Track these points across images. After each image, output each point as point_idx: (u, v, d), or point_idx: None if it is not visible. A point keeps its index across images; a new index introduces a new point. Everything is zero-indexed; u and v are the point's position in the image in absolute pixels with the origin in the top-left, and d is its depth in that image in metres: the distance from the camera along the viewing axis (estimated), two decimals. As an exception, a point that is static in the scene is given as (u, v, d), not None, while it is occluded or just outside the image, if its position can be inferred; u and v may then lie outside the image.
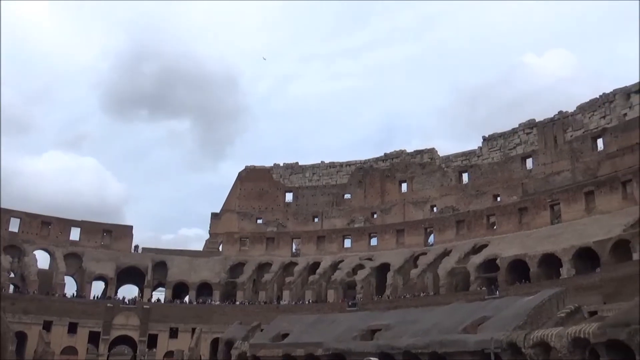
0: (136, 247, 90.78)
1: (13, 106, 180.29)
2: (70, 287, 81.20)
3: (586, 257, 57.99)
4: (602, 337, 33.87)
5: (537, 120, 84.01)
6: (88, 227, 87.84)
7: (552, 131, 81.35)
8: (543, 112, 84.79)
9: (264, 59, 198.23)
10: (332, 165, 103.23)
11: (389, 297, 73.36)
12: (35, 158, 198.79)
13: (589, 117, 77.66)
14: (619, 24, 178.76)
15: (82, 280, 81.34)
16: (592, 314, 45.27)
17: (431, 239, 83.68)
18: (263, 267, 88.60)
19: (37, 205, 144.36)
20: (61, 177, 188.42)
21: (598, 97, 77.63)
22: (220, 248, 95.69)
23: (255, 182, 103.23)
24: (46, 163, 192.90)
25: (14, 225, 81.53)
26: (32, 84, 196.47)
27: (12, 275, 77.21)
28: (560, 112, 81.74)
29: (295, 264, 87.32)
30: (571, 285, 51.47)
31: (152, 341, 76.26)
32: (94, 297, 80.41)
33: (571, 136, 78.93)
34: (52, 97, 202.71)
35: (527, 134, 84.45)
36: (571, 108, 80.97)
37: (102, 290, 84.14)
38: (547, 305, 46.63)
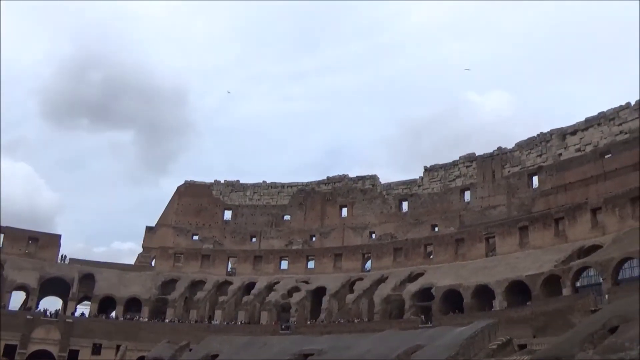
0: (63, 257, 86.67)
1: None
2: (-13, 296, 76.47)
3: (518, 291, 59.13)
4: (533, 370, 34.19)
5: (477, 154, 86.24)
6: (12, 234, 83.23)
7: (491, 166, 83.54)
8: (483, 148, 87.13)
9: (229, 92, 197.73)
10: (273, 185, 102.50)
11: (323, 322, 72.55)
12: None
13: (526, 155, 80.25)
14: (556, 67, 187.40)
15: (1, 289, 76.60)
16: (522, 347, 45.93)
17: (368, 264, 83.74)
18: (196, 284, 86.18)
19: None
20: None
21: (536, 136, 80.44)
22: (153, 263, 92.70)
23: (194, 198, 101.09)
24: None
25: None
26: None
27: None
28: (499, 148, 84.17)
29: (230, 283, 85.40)
30: (503, 318, 52.09)
31: (73, 357, 72.19)
32: (13, 308, 75.79)
33: (509, 172, 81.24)
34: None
35: (467, 167, 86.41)
36: (510, 145, 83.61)
37: (22, 300, 79.61)
38: (479, 336, 46.91)
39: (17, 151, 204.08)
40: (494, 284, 60.93)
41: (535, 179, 78.17)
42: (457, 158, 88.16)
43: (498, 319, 51.36)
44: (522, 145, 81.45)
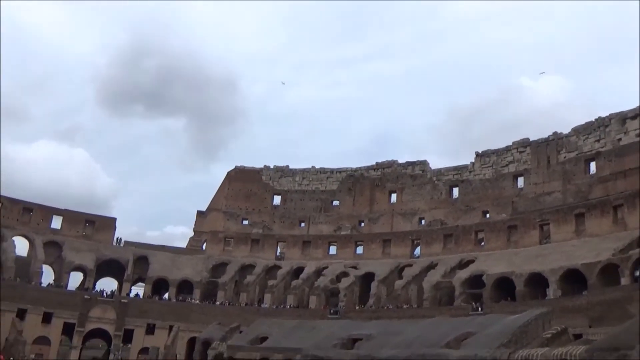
0: (118, 239, 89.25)
1: (7, 94, 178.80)
2: (47, 276, 79.59)
3: (573, 279, 57.43)
4: (589, 360, 33.10)
5: (531, 140, 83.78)
6: (70, 217, 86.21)
7: (546, 151, 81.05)
8: (538, 134, 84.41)
9: (283, 83, 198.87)
10: (322, 170, 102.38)
11: (371, 307, 72.40)
12: (25, 146, 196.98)
13: (584, 140, 77.45)
14: (613, 51, 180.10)
15: (60, 269, 79.65)
16: (577, 336, 44.55)
17: (417, 251, 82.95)
18: (246, 268, 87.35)
19: (24, 193, 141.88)
20: (51, 166, 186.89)
21: (594, 120, 77.48)
22: (204, 246, 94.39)
23: (243, 183, 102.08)
24: (36, 152, 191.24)
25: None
26: (29, 73, 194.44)
27: (-12, 260, 75.33)
28: (554, 133, 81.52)
29: (279, 267, 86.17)
30: (557, 307, 50.67)
31: (128, 336, 74.58)
32: (71, 288, 78.56)
33: (564, 157, 78.64)
34: (47, 88, 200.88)
35: (521, 152, 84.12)
36: (566, 130, 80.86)
37: (80, 281, 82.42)
38: (532, 325, 45.79)
39: (74, 138, 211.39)
40: (548, 272, 59.34)
41: (593, 165, 75.35)
42: (511, 143, 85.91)
43: (552, 307, 49.92)
44: (579, 130, 78.65)
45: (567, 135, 79.85)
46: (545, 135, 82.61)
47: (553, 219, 68.82)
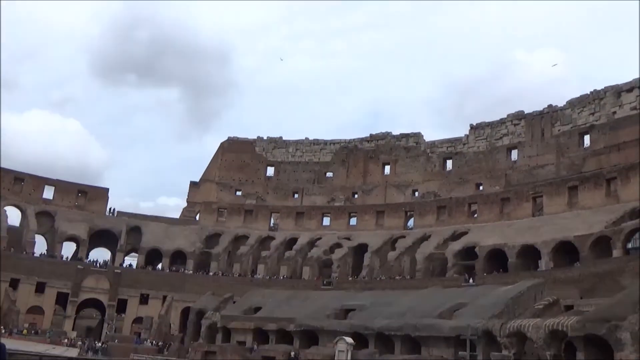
0: (112, 210, 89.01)
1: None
2: (40, 246, 79.49)
3: (565, 251, 57.90)
4: (581, 331, 33.50)
5: (525, 112, 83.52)
6: (62, 187, 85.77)
7: (540, 124, 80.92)
8: (533, 107, 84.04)
9: (281, 59, 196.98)
10: (316, 142, 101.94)
11: (364, 278, 72.83)
12: (17, 116, 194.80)
13: (578, 113, 77.30)
14: (608, 24, 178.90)
15: (53, 240, 79.48)
16: (568, 307, 45.08)
17: (410, 222, 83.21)
18: (239, 239, 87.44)
19: (15, 164, 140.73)
20: (43, 137, 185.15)
21: (589, 93, 77.23)
22: (197, 217, 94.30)
23: (237, 154, 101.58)
24: (28, 122, 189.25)
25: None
26: (19, 42, 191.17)
27: (-20, 229, 74.98)
28: (549, 106, 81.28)
29: (273, 238, 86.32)
30: (549, 278, 51.22)
31: (122, 306, 74.90)
32: (65, 258, 78.54)
33: (559, 130, 78.55)
34: (39, 58, 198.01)
35: (515, 125, 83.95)
36: (561, 103, 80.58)
37: (73, 251, 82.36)
38: (524, 296, 46.38)
39: (67, 108, 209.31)
40: (540, 244, 59.75)
41: (587, 138, 75.28)
42: (505, 116, 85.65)
43: (544, 279, 50.60)
44: (573, 103, 78.41)
45: (562, 108, 79.63)
46: (540, 109, 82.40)
47: (546, 192, 69.04)
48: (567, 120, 78.16)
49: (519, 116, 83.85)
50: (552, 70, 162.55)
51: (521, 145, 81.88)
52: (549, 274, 53.58)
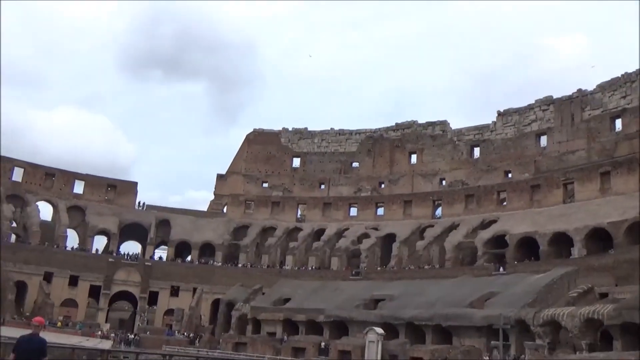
0: (142, 204, 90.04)
1: (27, 60, 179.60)
2: (72, 240, 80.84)
3: (598, 238, 56.86)
4: (617, 319, 32.83)
5: (554, 97, 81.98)
6: (92, 181, 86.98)
7: (570, 109, 79.35)
8: (561, 92, 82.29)
9: (310, 56, 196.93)
10: (341, 132, 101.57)
11: (393, 268, 72.53)
12: (46, 112, 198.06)
13: (609, 97, 75.61)
14: (635, 6, 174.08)
15: (84, 233, 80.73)
16: (603, 295, 44.24)
17: (438, 212, 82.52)
18: (267, 231, 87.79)
19: (46, 160, 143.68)
20: (71, 133, 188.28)
21: (619, 76, 75.43)
22: (225, 210, 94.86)
23: (262, 146, 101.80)
24: (57, 118, 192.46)
25: (17, 176, 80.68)
26: (46, 39, 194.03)
27: (14, 224, 76.55)
28: (579, 90, 79.65)
29: (300, 229, 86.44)
30: (583, 265, 50.33)
31: (153, 298, 75.83)
32: (95, 251, 79.76)
33: (589, 115, 76.98)
34: (66, 54, 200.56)
35: (544, 110, 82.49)
36: (590, 87, 78.89)
37: (103, 245, 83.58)
38: (557, 284, 45.60)
39: (94, 104, 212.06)
40: (572, 231, 58.73)
41: (619, 122, 73.68)
42: (533, 101, 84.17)
43: (577, 266, 49.67)
44: (604, 87, 76.68)
45: (592, 92, 77.96)
46: (569, 93, 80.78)
47: (577, 178, 67.77)
48: (598, 104, 76.50)
49: (548, 101, 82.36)
50: (580, 54, 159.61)
51: (550, 131, 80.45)
52: (582, 262, 52.66)
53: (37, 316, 15.36)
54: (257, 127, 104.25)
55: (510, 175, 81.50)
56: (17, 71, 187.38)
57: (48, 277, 69.58)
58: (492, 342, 39.78)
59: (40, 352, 11.43)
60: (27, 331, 12.51)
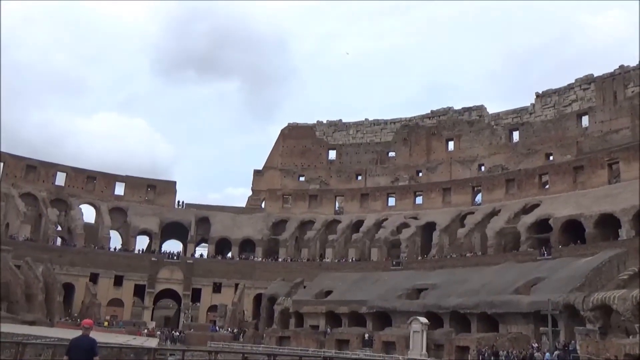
0: (181, 203, 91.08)
1: (67, 69, 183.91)
2: (115, 241, 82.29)
3: (647, 219, 54.83)
4: (672, 300, 31.58)
5: (595, 76, 79.43)
6: (132, 182, 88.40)
7: (612, 87, 76.77)
8: (602, 69, 79.58)
9: (347, 53, 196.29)
10: (376, 122, 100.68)
11: (434, 257, 71.54)
12: (86, 119, 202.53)
13: (653, 72, 72.85)
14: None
15: (127, 234, 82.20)
16: (655, 277, 42.70)
17: (478, 198, 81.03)
18: (305, 224, 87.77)
19: (88, 164, 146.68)
20: (112, 137, 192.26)
21: (663, 49, 72.66)
22: (263, 205, 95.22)
23: (297, 140, 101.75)
24: (97, 124, 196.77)
25: (60, 180, 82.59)
26: (84, 46, 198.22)
27: (59, 228, 78.45)
28: (621, 67, 76.90)
29: (339, 221, 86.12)
30: (631, 247, 48.54)
31: (196, 295, 76.81)
32: (138, 251, 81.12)
33: (632, 92, 74.27)
34: (103, 60, 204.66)
35: (584, 90, 80.00)
36: (633, 63, 76.14)
37: (146, 244, 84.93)
38: (606, 267, 44.30)
39: (132, 108, 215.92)
40: (619, 212, 56.74)
41: (664, 98, 71.04)
42: (573, 81, 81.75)
43: (626, 248, 48.08)
44: (647, 61, 74.00)
45: (635, 68, 75.20)
46: (610, 70, 78.16)
47: (623, 157, 65.47)
48: (641, 80, 73.78)
49: (588, 80, 79.83)
50: (620, 30, 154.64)
51: (592, 111, 78.04)
52: (631, 243, 50.75)
53: (85, 318, 15.56)
54: (291, 122, 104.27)
55: (551, 157, 79.38)
56: (60, 79, 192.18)
57: (94, 278, 71.21)
58: (541, 328, 38.86)
59: (92, 351, 11.79)
60: (76, 332, 12.73)
